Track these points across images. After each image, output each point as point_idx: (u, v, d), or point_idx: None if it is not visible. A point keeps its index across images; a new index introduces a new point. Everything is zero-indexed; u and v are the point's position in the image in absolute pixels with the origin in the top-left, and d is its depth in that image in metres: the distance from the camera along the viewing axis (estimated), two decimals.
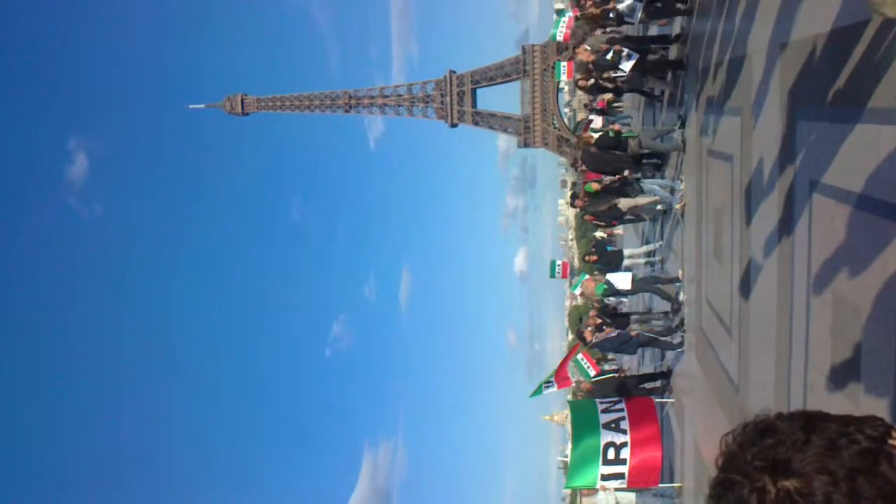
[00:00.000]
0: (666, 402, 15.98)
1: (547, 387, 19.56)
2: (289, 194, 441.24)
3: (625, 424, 13.47)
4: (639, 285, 16.71)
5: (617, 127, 16.21)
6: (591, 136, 16.92)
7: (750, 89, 8.70)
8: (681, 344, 14.82)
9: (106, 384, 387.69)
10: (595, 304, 18.06)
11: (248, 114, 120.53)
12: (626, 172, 17.33)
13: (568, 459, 15.80)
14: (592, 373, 19.99)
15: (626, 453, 13.37)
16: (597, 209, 18.02)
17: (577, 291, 18.18)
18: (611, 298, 19.09)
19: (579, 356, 19.94)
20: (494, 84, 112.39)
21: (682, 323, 14.70)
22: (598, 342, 17.01)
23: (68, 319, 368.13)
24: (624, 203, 17.15)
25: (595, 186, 17.94)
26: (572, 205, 19.71)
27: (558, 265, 30.56)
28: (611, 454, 13.46)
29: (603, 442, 13.52)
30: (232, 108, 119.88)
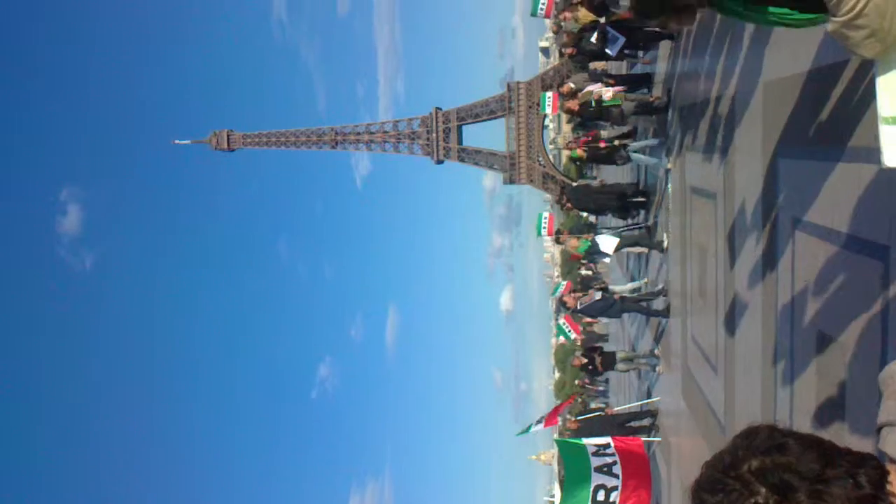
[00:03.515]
0: (653, 442, 15.88)
1: (535, 425, 19.45)
2: (275, 232, 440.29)
3: (617, 469, 13.36)
4: (623, 243, 16.48)
5: (597, 95, 15.72)
6: (576, 104, 16.42)
7: (732, 127, 8.76)
8: (666, 311, 14.65)
9: (96, 431, 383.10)
10: (578, 261, 17.59)
11: (234, 150, 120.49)
12: (615, 141, 17.11)
13: (554, 499, 15.64)
14: (573, 336, 19.79)
15: (615, 496, 13.26)
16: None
17: (564, 245, 17.77)
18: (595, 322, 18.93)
19: (561, 320, 19.77)
20: (480, 121, 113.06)
21: (665, 292, 14.56)
22: (583, 307, 16.83)
23: (65, 366, 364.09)
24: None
25: (581, 153, 17.73)
26: (557, 241, 19.72)
27: (544, 219, 29.14)
28: (601, 496, 13.34)
29: (594, 484, 13.40)
30: (218, 143, 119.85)
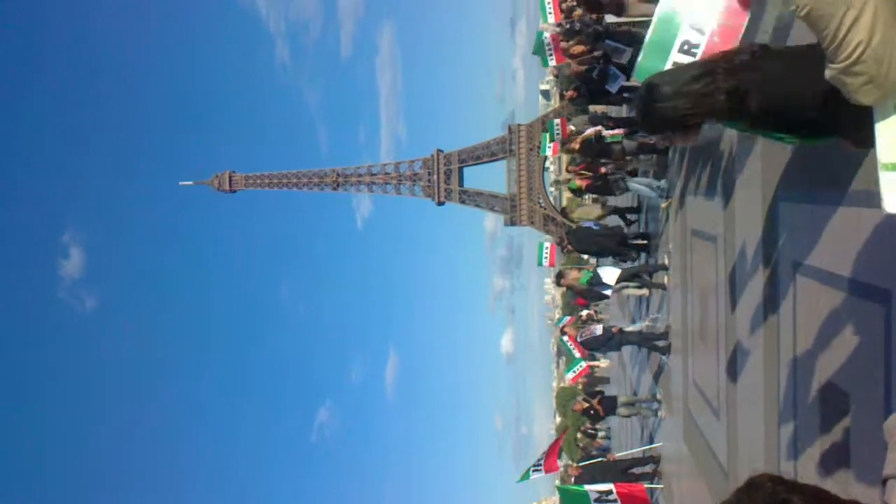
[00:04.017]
0: (656, 489, 15.67)
1: (535, 471, 19.19)
2: (276, 274, 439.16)
3: None
4: (624, 274, 16.32)
5: (592, 132, 15.91)
6: (577, 143, 16.54)
7: (732, 170, 8.78)
8: (667, 348, 14.62)
9: (97, 472, 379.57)
10: (577, 291, 17.47)
11: (235, 191, 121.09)
12: (608, 169, 17.11)
13: None
14: (577, 354, 19.46)
15: None
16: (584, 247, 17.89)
17: (563, 282, 17.60)
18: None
19: (565, 338, 19.54)
20: (481, 163, 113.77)
21: (667, 333, 14.53)
22: (584, 340, 16.73)
23: (62, 413, 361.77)
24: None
25: (579, 183, 17.73)
26: (558, 283, 19.66)
27: (546, 249, 28.40)
28: None
29: None
30: (220, 185, 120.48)
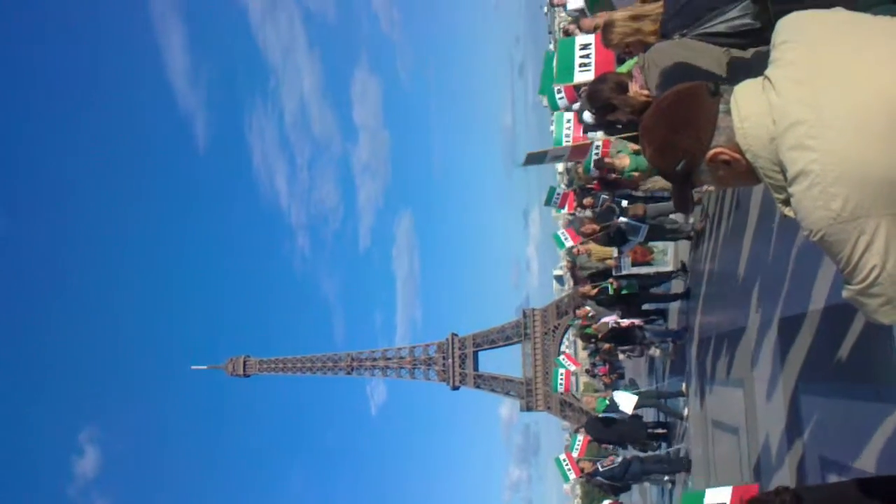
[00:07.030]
0: None
1: None
2: (287, 462, 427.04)
3: None
4: (641, 401, 16.02)
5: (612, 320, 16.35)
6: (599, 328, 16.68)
7: (751, 362, 8.75)
8: (687, 463, 14.13)
9: None
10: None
11: (249, 375, 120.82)
12: (636, 322, 17.00)
13: None
14: (572, 476, 18.81)
15: None
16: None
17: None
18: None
19: (562, 456, 18.92)
20: (496, 347, 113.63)
21: (689, 462, 14.05)
22: (605, 470, 15.98)
23: None
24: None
25: (596, 329, 17.56)
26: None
27: (561, 375, 27.39)
28: None
29: None
30: (234, 369, 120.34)
